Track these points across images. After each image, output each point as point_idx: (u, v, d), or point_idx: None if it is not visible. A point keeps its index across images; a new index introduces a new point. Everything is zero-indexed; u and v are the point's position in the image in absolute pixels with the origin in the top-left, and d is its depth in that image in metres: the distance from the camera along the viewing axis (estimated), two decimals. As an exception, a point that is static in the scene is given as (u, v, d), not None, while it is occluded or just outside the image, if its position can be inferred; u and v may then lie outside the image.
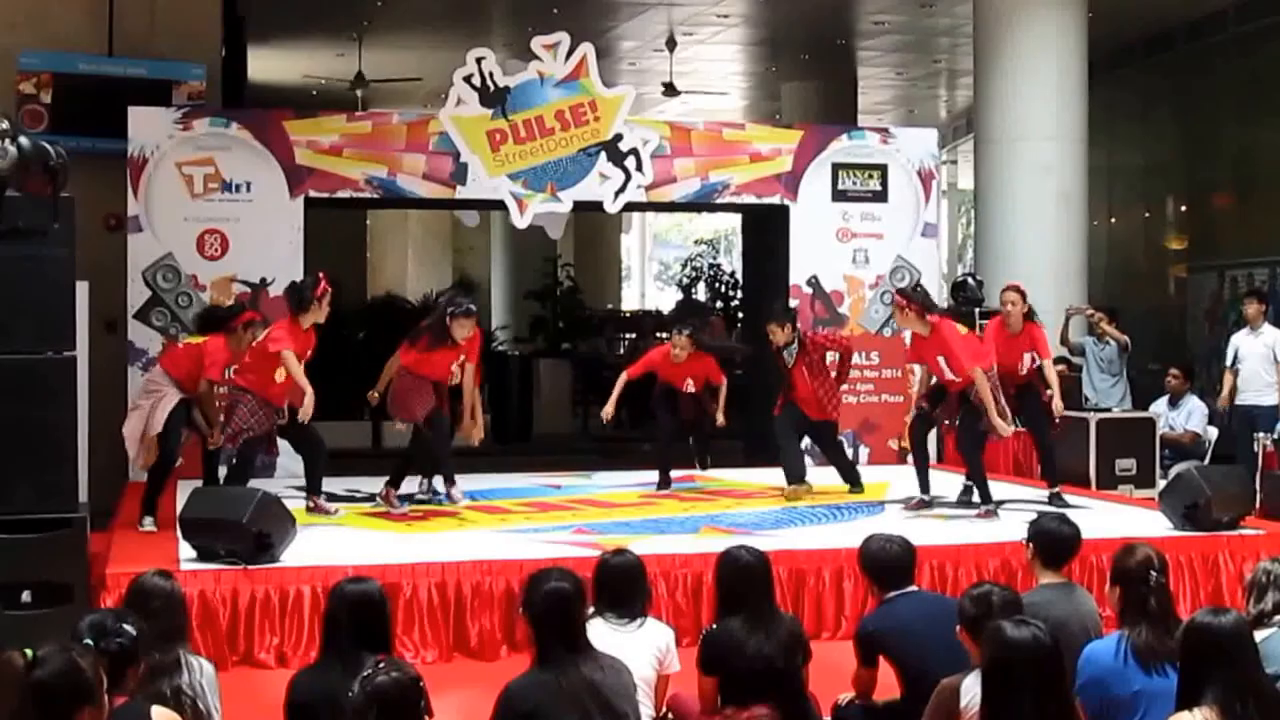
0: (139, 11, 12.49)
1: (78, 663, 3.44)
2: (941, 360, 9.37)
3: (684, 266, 29.35)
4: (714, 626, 5.36)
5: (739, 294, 21.83)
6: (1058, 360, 12.70)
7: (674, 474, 10.68)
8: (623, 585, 5.28)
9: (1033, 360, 9.95)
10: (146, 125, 11.49)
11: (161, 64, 12.34)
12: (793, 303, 12.57)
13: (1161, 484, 10.27)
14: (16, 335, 6.84)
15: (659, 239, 39.40)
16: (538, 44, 11.94)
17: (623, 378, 10.60)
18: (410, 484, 9.91)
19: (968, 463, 9.67)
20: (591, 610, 5.01)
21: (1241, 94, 17.37)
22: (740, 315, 11.23)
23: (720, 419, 10.66)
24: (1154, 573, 4.80)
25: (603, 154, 12.03)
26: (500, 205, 12.25)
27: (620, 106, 12.07)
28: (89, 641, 3.98)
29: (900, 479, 10.94)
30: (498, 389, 17.62)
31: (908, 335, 10.10)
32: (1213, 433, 12.47)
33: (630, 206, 13.05)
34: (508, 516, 9.49)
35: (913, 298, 9.49)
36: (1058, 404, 9.93)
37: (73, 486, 7.10)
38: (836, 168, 12.79)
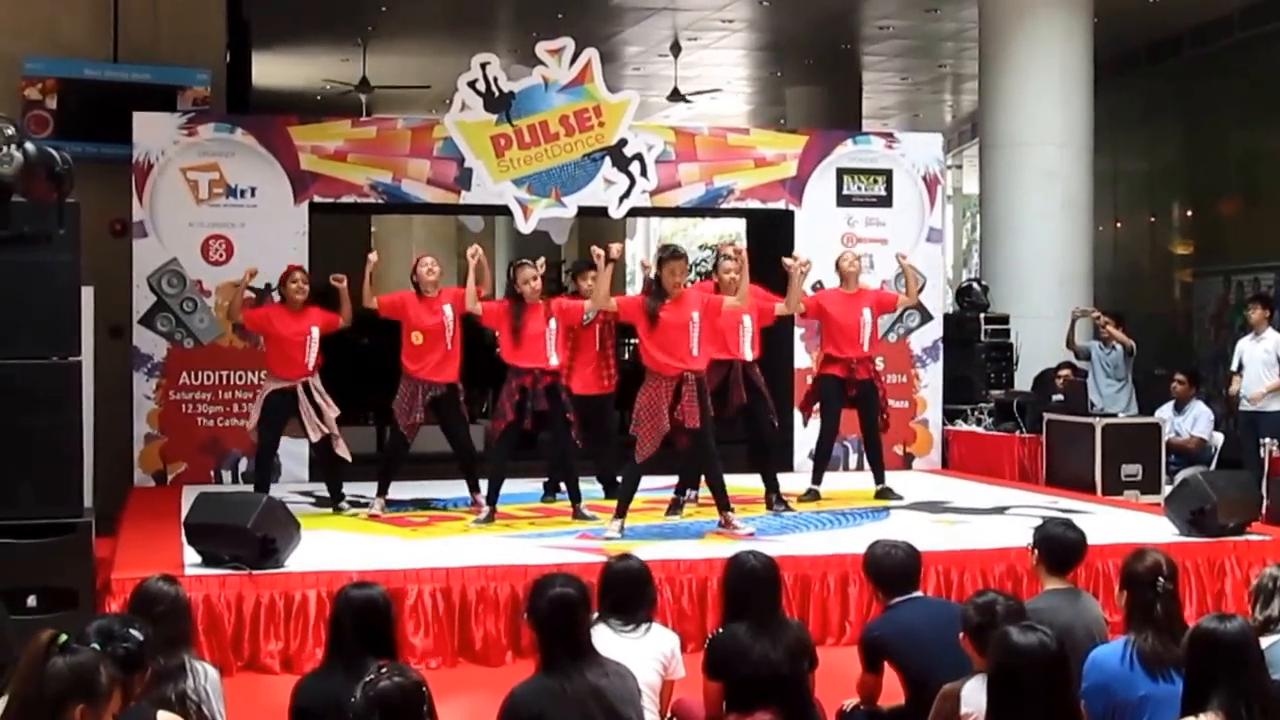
0: (144, 17, 12.51)
1: (96, 664, 3.45)
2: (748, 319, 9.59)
3: (689, 272, 29.29)
4: (720, 631, 5.36)
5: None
6: (1063, 365, 12.74)
7: (676, 479, 10.65)
8: (628, 590, 5.27)
9: (874, 318, 10.51)
10: (151, 131, 11.50)
11: (166, 69, 12.36)
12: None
13: (1167, 489, 10.26)
14: (21, 340, 6.85)
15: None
16: (542, 49, 11.93)
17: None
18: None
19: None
20: (596, 616, 5.00)
21: (1247, 99, 17.37)
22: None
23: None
24: (1162, 579, 4.79)
25: (607, 159, 12.02)
26: (505, 210, 12.24)
27: (625, 112, 12.06)
28: (95, 646, 3.98)
29: (905, 483, 10.94)
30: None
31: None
32: (1218, 438, 12.46)
33: (635, 211, 13.04)
34: (513, 522, 9.49)
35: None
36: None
37: (77, 491, 7.09)
38: (841, 173, 12.79)
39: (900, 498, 10.50)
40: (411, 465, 10.93)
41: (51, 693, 3.37)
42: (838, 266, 10.66)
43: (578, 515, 9.38)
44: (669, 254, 8.81)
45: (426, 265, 9.86)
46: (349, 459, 10.06)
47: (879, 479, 10.69)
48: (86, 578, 6.99)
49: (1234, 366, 12.28)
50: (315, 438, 9.94)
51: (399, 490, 10.23)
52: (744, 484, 10.28)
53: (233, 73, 13.78)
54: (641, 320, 8.73)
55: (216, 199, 11.57)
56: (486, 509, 9.38)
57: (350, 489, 10.17)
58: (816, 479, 10.62)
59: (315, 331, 9.82)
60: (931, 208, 13.00)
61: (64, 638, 3.44)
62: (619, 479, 9.31)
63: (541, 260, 10.16)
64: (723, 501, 8.95)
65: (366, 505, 9.86)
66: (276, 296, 9.98)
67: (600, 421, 10.35)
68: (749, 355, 9.74)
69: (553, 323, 9.42)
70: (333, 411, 9.86)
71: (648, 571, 5.43)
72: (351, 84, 20.55)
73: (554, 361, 9.44)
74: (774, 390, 10.44)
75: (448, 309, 9.68)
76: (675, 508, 9.73)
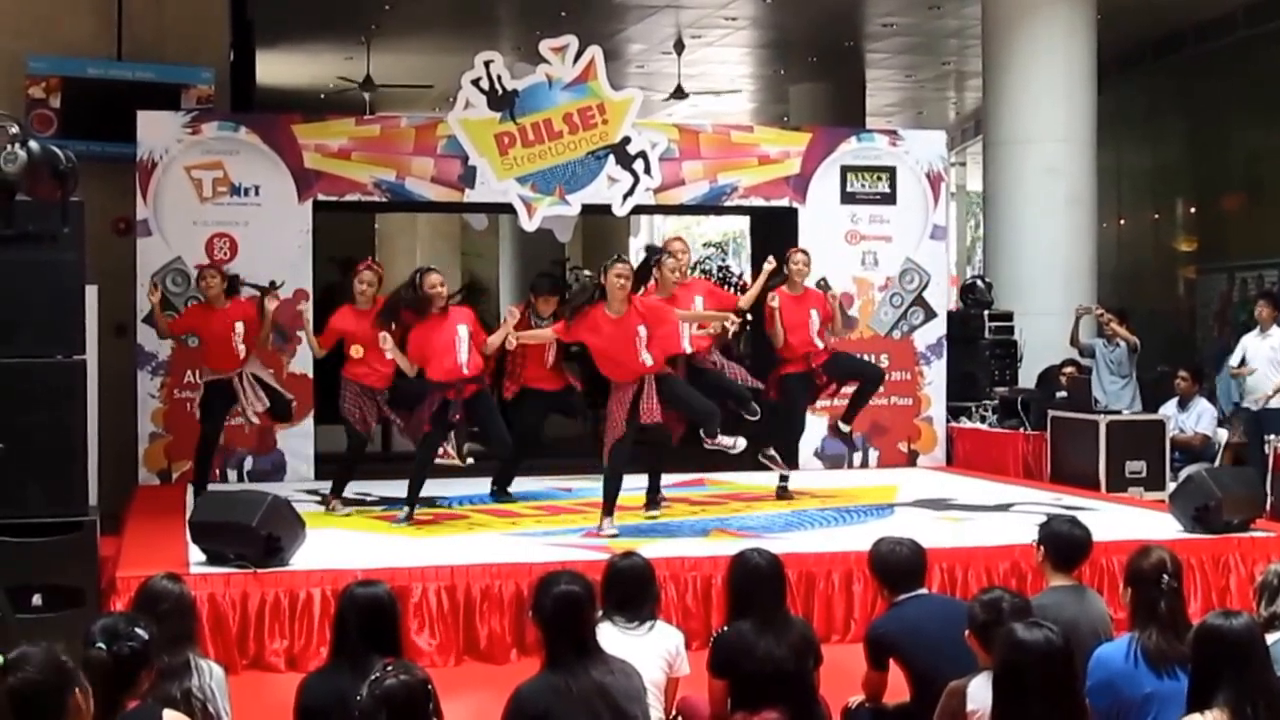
0: (147, 16, 12.51)
1: (56, 655, 3.43)
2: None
3: (692, 269, 29.31)
4: (724, 629, 5.35)
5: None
6: (1067, 361, 12.74)
7: (682, 477, 10.65)
8: (632, 588, 5.28)
9: (820, 321, 10.24)
10: (155, 129, 11.50)
11: (170, 68, 12.36)
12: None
13: (1171, 486, 10.26)
14: (26, 339, 6.85)
15: (667, 242, 39.39)
16: (546, 47, 11.94)
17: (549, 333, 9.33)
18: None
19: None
20: (600, 613, 5.00)
21: (1250, 96, 17.37)
22: (749, 317, 11.15)
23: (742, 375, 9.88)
24: (1166, 576, 4.79)
25: (611, 157, 12.02)
26: (509, 209, 12.25)
27: (628, 109, 12.07)
28: (101, 645, 3.99)
29: (910, 481, 10.93)
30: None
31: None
32: (1222, 435, 12.44)
33: (639, 209, 13.05)
34: (518, 520, 9.50)
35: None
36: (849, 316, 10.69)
37: (82, 490, 7.10)
38: (845, 170, 12.78)
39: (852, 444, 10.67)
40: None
41: (45, 689, 3.34)
42: (786, 266, 10.36)
43: (499, 497, 9.68)
44: (611, 261, 8.75)
45: (364, 280, 9.80)
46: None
47: (848, 420, 10.67)
48: (91, 576, 6.99)
49: (1235, 360, 12.26)
50: (255, 421, 10.24)
51: (402, 489, 10.23)
52: (751, 482, 10.32)
53: (236, 71, 13.79)
54: (588, 339, 8.77)
55: (220, 197, 11.57)
56: (406, 509, 9.33)
57: (353, 488, 10.18)
58: (783, 476, 10.54)
59: (240, 326, 9.94)
60: (935, 205, 13.00)
61: (2, 658, 3.39)
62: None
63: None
64: (712, 429, 8.96)
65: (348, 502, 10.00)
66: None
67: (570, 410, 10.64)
68: (687, 349, 9.50)
69: (462, 330, 9.29)
70: (261, 404, 10.08)
71: (651, 569, 5.43)
72: (355, 81, 20.57)
73: (466, 371, 9.31)
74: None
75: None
76: (653, 504, 9.69)
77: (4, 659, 3.36)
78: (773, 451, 10.11)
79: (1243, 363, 12.10)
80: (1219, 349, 15.97)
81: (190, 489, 10.27)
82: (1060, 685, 3.99)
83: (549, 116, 11.89)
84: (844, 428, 10.67)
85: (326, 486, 10.31)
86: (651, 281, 9.44)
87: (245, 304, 10.10)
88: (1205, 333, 17.86)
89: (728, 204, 12.86)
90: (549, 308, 10.16)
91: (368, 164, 11.83)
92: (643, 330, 8.58)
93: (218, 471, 11.33)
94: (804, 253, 10.51)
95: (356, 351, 9.70)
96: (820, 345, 10.24)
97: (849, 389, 10.62)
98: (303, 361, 11.54)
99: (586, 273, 9.38)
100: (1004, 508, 10.07)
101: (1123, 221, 19.97)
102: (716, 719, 5.26)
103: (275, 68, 19.35)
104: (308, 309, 11.18)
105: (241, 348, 9.94)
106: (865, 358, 11.60)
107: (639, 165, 12.06)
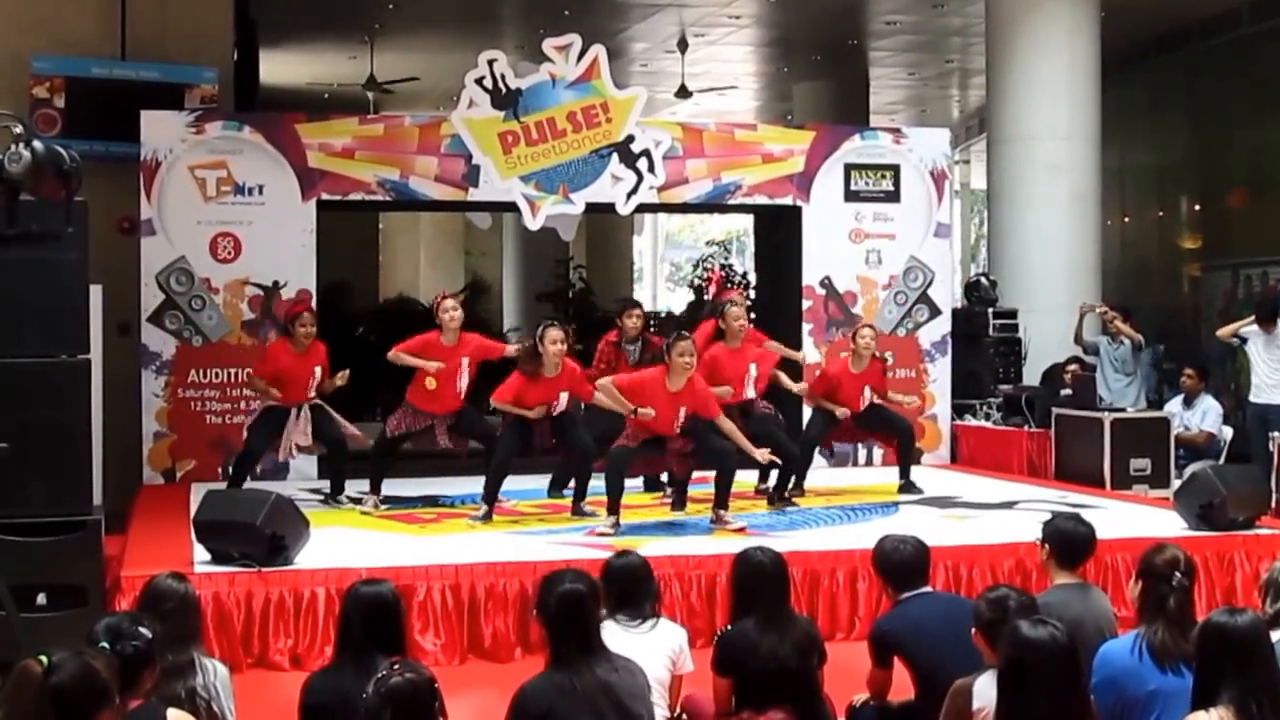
0: (151, 15, 12.51)
1: (93, 666, 3.43)
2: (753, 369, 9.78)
3: (696, 268, 29.35)
4: (729, 627, 5.35)
5: (751, 295, 21.86)
6: (1071, 359, 12.74)
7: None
8: (628, 586, 5.28)
9: (872, 393, 10.48)
10: (159, 129, 11.51)
11: (174, 68, 12.37)
12: (806, 304, 12.59)
13: (1176, 484, 10.25)
14: (30, 339, 6.86)
15: (671, 240, 39.37)
16: (549, 46, 11.95)
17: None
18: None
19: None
20: (604, 612, 5.00)
21: (1254, 92, 17.34)
22: (753, 316, 11.11)
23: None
24: (1178, 574, 4.79)
25: (615, 155, 12.03)
26: (512, 207, 12.26)
27: (632, 108, 12.07)
28: (105, 644, 3.98)
29: (914, 479, 10.92)
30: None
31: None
32: (1228, 432, 12.43)
33: (642, 208, 13.06)
34: (521, 518, 9.50)
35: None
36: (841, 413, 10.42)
37: (87, 489, 7.11)
38: (849, 168, 12.78)
39: (921, 491, 10.52)
40: (419, 462, 10.95)
41: (77, 714, 3.34)
42: (854, 343, 10.49)
43: (576, 512, 9.38)
44: (674, 339, 8.85)
45: (447, 311, 9.77)
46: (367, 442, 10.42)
47: (904, 474, 10.72)
48: (96, 575, 7.00)
49: (1228, 329, 12.26)
50: (282, 456, 10.34)
51: (406, 487, 10.23)
52: (754, 480, 10.32)
53: (240, 70, 13.80)
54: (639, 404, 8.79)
55: (224, 197, 11.58)
56: (484, 507, 9.36)
57: (356, 487, 10.18)
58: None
59: (318, 371, 10.06)
60: (939, 203, 12.99)
61: (45, 659, 3.40)
62: (663, 478, 9.95)
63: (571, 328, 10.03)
64: (722, 498, 8.99)
65: (360, 501, 9.94)
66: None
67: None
68: (751, 394, 9.80)
69: (563, 396, 9.40)
70: (305, 438, 10.12)
71: (647, 566, 5.43)
72: (360, 83, 20.58)
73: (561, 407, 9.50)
74: (781, 390, 10.43)
75: (465, 361, 9.72)
76: (679, 503, 9.74)
77: (45, 658, 3.38)
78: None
79: (1242, 341, 12.11)
80: (1223, 347, 15.95)
81: (194, 487, 10.27)
82: (1065, 682, 3.99)
83: (553, 115, 11.90)
84: (908, 488, 10.62)
85: (328, 485, 10.31)
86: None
87: (322, 347, 10.21)
88: (1209, 330, 17.82)
89: (731, 202, 12.87)
90: (634, 323, 10.31)
91: (371, 163, 11.84)
92: (683, 413, 8.80)
93: (220, 470, 11.35)
94: (872, 331, 10.62)
95: (430, 383, 9.69)
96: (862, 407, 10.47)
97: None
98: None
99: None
100: (1008, 505, 10.07)
101: (1126, 219, 19.94)
102: (721, 717, 5.26)
103: (279, 67, 19.36)
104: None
105: (314, 389, 10.07)
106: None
107: (643, 164, 12.07)
